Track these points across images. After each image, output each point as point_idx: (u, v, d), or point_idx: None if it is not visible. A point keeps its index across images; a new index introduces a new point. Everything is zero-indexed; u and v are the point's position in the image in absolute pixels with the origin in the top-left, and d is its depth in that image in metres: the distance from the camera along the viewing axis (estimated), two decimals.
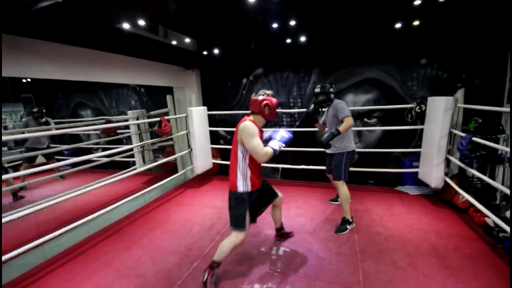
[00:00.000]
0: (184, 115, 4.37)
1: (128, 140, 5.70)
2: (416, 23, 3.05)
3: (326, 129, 2.99)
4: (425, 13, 2.76)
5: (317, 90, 2.87)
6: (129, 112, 5.24)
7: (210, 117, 4.66)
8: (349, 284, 2.04)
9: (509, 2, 2.56)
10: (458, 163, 3.08)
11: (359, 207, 3.36)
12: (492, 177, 3.38)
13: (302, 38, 3.57)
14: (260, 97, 2.02)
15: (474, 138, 2.70)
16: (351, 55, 4.11)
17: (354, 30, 3.55)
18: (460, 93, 3.21)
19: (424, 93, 3.77)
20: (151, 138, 5.04)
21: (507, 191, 2.29)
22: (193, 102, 4.90)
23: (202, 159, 4.39)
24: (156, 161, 4.88)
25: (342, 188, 2.80)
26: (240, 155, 2.04)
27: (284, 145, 1.99)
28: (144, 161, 5.00)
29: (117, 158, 4.93)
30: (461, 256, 2.32)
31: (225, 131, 5.07)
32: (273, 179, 4.83)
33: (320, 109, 3.03)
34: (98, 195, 3.90)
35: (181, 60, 4.65)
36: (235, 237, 2.03)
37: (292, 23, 2.90)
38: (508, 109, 3.02)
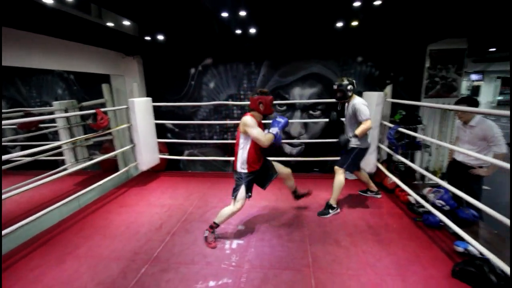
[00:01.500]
0: (125, 106, 3.96)
1: (56, 136, 4.92)
2: (354, 23, 3.30)
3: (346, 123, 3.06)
4: (362, 15, 3.00)
5: (335, 86, 2.85)
6: (55, 103, 4.51)
7: (156, 109, 4.33)
8: (300, 268, 2.16)
9: (428, 12, 2.96)
10: (387, 150, 3.51)
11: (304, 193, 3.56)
12: (413, 161, 3.96)
13: (252, 30, 3.53)
14: (256, 96, 2.40)
15: (400, 129, 3.10)
16: (298, 50, 4.26)
17: (300, 26, 3.67)
18: (388, 89, 3.62)
19: (360, 88, 4.16)
20: (85, 133, 4.44)
21: (426, 173, 2.71)
22: (134, 92, 4.46)
23: (148, 154, 4.07)
24: (91, 158, 4.34)
25: (340, 175, 2.93)
26: (241, 144, 2.46)
27: (280, 129, 2.44)
28: (76, 159, 4.40)
29: (41, 157, 4.23)
30: (391, 231, 2.68)
31: (173, 124, 4.79)
32: (225, 172, 4.79)
33: (339, 109, 3.09)
34: (19, 201, 3.31)
35: (119, 45, 4.16)
36: (233, 206, 2.46)
37: (242, 13, 2.83)
38: (424, 103, 3.54)
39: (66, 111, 4.34)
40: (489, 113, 1.30)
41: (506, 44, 5.59)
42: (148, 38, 3.86)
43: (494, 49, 5.97)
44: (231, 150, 2.48)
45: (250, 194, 2.49)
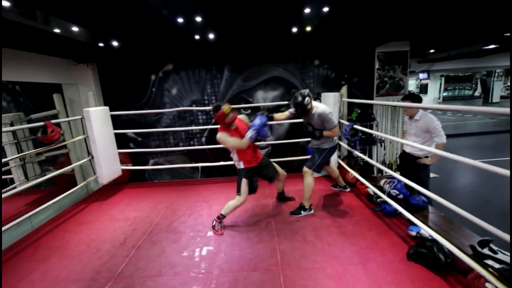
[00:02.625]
0: (80, 117, 3.70)
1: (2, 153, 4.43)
2: (308, 28, 3.46)
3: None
4: (314, 20, 3.17)
5: (292, 106, 2.89)
6: None
7: (115, 118, 4.11)
8: (269, 267, 2.19)
9: (373, 18, 3.21)
10: (346, 146, 3.72)
11: (275, 193, 3.62)
12: (370, 156, 4.23)
13: (211, 36, 3.53)
14: (213, 114, 2.63)
15: (355, 126, 3.30)
16: (258, 54, 4.35)
17: (258, 31, 3.76)
18: (344, 89, 3.85)
19: (319, 90, 4.36)
20: (35, 148, 4.06)
21: (380, 166, 2.92)
22: (90, 101, 4.20)
23: (108, 166, 3.83)
24: (44, 175, 3.97)
25: (309, 177, 2.99)
26: (231, 150, 2.75)
27: (255, 131, 2.60)
28: (26, 177, 4.00)
29: None
30: (353, 222, 2.83)
31: (135, 133, 4.58)
32: (193, 179, 4.69)
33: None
34: None
35: (69, 52, 3.90)
36: (237, 200, 2.74)
37: (198, 19, 2.82)
38: (374, 101, 3.82)
39: (11, 124, 3.93)
40: (489, 111, 1.39)
41: (443, 46, 6.27)
42: (101, 44, 3.67)
43: (433, 51, 6.65)
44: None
45: (255, 189, 2.84)
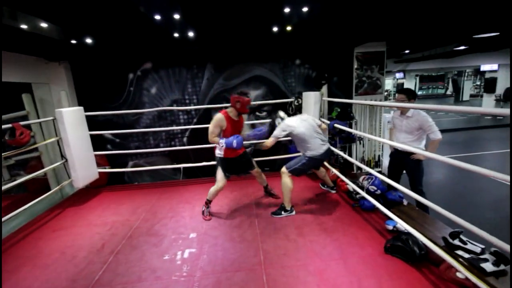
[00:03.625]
0: (51, 118, 3.51)
1: None
2: (289, 28, 3.49)
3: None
4: (294, 20, 3.20)
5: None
6: None
7: (91, 119, 3.94)
8: (252, 267, 2.20)
9: (351, 19, 3.29)
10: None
11: (259, 193, 3.64)
12: (350, 153, 4.34)
13: (190, 34, 3.46)
14: (235, 95, 2.81)
15: (335, 124, 3.37)
16: (240, 53, 4.33)
17: (238, 30, 3.73)
18: (324, 89, 3.93)
19: (300, 89, 4.41)
20: (4, 151, 3.80)
21: (358, 163, 3.00)
22: (63, 101, 3.99)
23: (83, 169, 3.66)
24: (14, 180, 3.74)
25: (285, 177, 2.97)
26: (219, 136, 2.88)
27: (223, 145, 2.75)
28: None
29: None
30: (334, 218, 2.89)
31: (112, 134, 4.41)
32: (175, 180, 4.59)
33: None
34: None
35: (40, 50, 3.68)
36: (216, 186, 2.95)
37: (176, 16, 2.75)
38: (357, 101, 3.93)
39: None
40: (488, 112, 1.41)
41: (418, 47, 6.54)
42: (74, 41, 3.49)
43: (408, 51, 6.93)
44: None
45: (228, 175, 2.98)
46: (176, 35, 3.48)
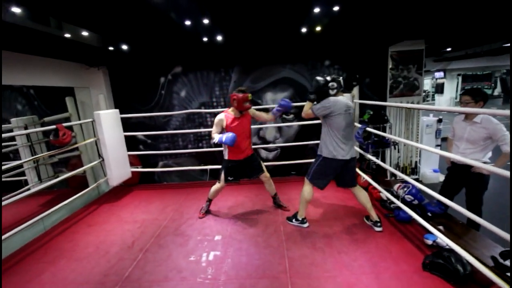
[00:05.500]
0: (91, 120, 3.77)
1: (17, 155, 4.58)
2: (318, 28, 3.39)
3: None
4: (324, 20, 3.10)
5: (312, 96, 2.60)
6: (13, 120, 4.20)
7: (126, 121, 4.17)
8: (277, 274, 2.14)
9: (386, 16, 3.11)
10: (359, 149, 3.61)
11: (284, 197, 3.54)
12: (384, 159, 4.10)
13: (219, 37, 3.52)
14: (233, 93, 2.76)
15: (367, 128, 3.20)
16: (267, 55, 4.31)
17: (266, 32, 3.72)
18: (355, 90, 3.75)
19: None
20: (48, 150, 4.17)
21: (393, 170, 2.80)
22: (101, 104, 4.28)
23: (118, 168, 3.88)
24: (57, 176, 4.07)
25: (306, 185, 2.72)
26: None
27: (217, 141, 2.68)
28: (40, 178, 4.10)
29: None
30: (365, 229, 2.73)
31: (145, 135, 4.63)
32: (202, 181, 4.68)
33: None
34: None
35: (82, 56, 3.98)
36: (217, 184, 3.02)
37: (206, 21, 2.81)
38: (392, 103, 3.70)
39: (25, 128, 4.05)
40: (490, 113, 1.29)
41: (461, 44, 6.02)
42: (111, 48, 3.72)
43: (449, 49, 6.40)
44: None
45: (231, 178, 2.92)
46: (205, 39, 3.56)
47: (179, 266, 2.32)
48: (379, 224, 2.69)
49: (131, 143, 4.34)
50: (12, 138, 4.31)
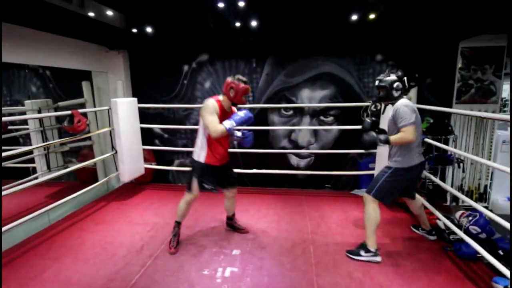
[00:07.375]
0: (107, 107, 4.01)
1: (27, 140, 4.99)
2: (372, 16, 3.33)
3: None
4: (381, 6, 3.03)
5: (377, 82, 2.51)
6: (27, 102, 4.58)
7: (142, 111, 4.38)
8: None
9: (460, 3, 2.97)
10: None
11: (315, 214, 3.53)
12: (443, 178, 3.89)
13: (253, 23, 3.59)
14: (230, 79, 2.52)
15: (425, 139, 3.06)
16: (307, 46, 4.30)
17: (309, 19, 3.71)
18: (413, 93, 3.61)
19: None
20: (60, 137, 4.50)
21: (456, 193, 2.65)
22: (119, 91, 4.53)
23: (131, 163, 4.09)
24: (66, 167, 4.37)
25: (369, 205, 2.57)
26: (201, 129, 2.63)
27: (235, 124, 2.43)
28: (49, 167, 4.43)
29: (9, 163, 4.27)
30: (415, 261, 2.60)
31: (162, 129, 4.82)
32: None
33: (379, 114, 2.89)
34: None
35: (102, 38, 4.27)
36: (186, 197, 2.74)
37: (241, 4, 2.88)
38: (457, 110, 3.51)
39: (39, 111, 4.41)
40: (491, 117, 1.21)
41: None
42: (135, 30, 3.95)
43: None
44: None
45: (208, 187, 2.81)
46: (237, 24, 3.65)
47: (191, 280, 2.37)
48: (433, 232, 2.90)
49: (146, 137, 4.54)
50: (25, 122, 4.71)
